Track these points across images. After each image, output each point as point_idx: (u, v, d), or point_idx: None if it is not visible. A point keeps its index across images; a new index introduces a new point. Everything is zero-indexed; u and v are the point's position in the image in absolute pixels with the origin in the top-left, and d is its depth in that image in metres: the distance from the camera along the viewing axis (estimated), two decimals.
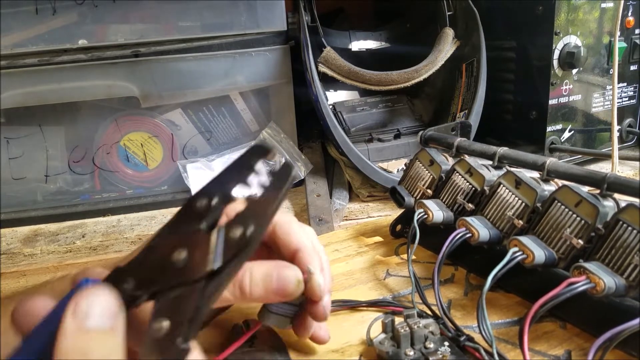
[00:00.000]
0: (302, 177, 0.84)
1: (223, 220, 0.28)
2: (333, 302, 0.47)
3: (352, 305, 0.48)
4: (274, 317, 0.38)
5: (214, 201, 0.28)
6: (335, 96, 1.01)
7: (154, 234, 0.28)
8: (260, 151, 0.29)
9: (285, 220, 0.38)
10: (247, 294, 0.34)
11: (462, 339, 0.39)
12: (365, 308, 0.48)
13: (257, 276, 0.34)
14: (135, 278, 0.26)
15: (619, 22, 0.77)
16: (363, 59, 1.02)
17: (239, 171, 0.29)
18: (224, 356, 0.38)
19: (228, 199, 0.28)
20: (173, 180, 0.86)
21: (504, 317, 0.45)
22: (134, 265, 0.27)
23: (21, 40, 0.76)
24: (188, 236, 0.27)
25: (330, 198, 0.79)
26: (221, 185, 0.28)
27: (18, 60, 0.75)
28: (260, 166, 0.29)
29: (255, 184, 0.28)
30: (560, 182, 0.47)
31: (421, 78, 0.81)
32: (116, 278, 0.26)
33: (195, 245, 0.26)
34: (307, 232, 0.39)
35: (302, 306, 0.38)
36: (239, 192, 0.28)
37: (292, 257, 0.37)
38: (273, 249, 0.39)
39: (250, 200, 0.28)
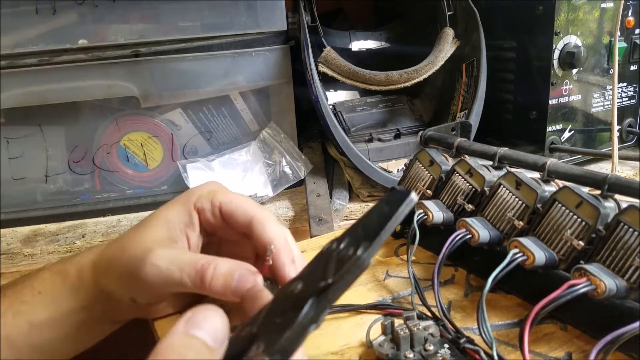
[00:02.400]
0: (302, 177, 0.84)
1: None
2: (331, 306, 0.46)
3: (350, 310, 0.47)
4: None
5: (342, 245, 0.28)
6: (335, 96, 1.01)
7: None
8: (400, 195, 0.28)
9: (262, 216, 0.39)
10: (207, 285, 0.34)
11: (462, 341, 0.39)
12: (364, 311, 0.47)
13: (220, 271, 0.35)
14: (252, 328, 0.27)
15: (619, 22, 0.77)
16: (363, 59, 1.01)
17: (368, 217, 0.30)
18: None
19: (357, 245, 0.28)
20: (173, 180, 0.86)
21: (504, 318, 0.45)
22: (250, 322, 0.28)
23: (21, 40, 0.76)
24: (306, 273, 0.29)
25: (330, 198, 0.78)
26: (312, 276, 0.28)
27: (18, 60, 0.75)
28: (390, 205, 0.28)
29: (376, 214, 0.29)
30: (561, 183, 0.47)
31: (421, 78, 0.81)
32: (237, 335, 0.27)
33: (310, 275, 0.28)
34: (282, 229, 0.40)
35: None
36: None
37: (264, 249, 0.38)
38: (249, 241, 0.40)
39: (364, 224, 0.29)
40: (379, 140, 0.86)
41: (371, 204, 0.77)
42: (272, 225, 0.39)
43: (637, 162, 0.85)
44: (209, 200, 0.39)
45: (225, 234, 0.41)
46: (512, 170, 0.50)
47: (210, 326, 0.25)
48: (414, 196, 0.27)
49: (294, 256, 0.39)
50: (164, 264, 0.35)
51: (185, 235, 0.39)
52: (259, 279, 0.35)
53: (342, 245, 0.28)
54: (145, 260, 0.35)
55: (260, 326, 0.26)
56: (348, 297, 0.50)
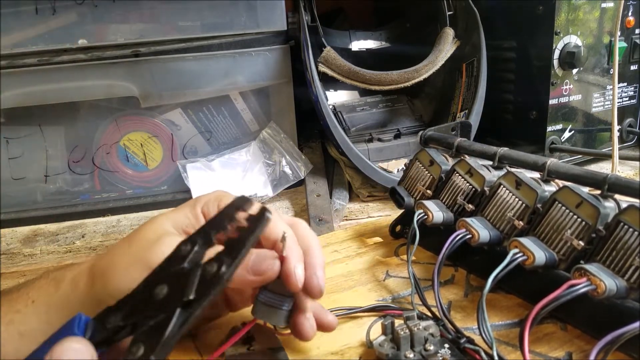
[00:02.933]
0: (302, 177, 0.84)
1: (203, 260, 0.31)
2: (331, 309, 0.46)
3: (349, 314, 0.47)
4: (264, 309, 0.38)
5: (197, 246, 0.32)
6: (335, 96, 1.01)
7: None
8: (241, 202, 0.34)
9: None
10: None
11: (462, 341, 0.39)
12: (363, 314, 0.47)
13: None
14: (122, 313, 0.30)
15: (619, 22, 0.77)
16: (363, 59, 1.01)
17: (220, 220, 0.33)
18: (218, 354, 0.38)
19: (209, 243, 0.32)
20: (173, 180, 0.86)
21: (504, 318, 0.45)
22: (122, 303, 0.31)
23: (21, 40, 0.76)
24: (171, 274, 0.31)
25: (330, 198, 0.78)
26: (204, 233, 0.33)
27: (18, 60, 0.75)
28: (239, 214, 0.33)
29: (233, 229, 0.32)
30: (561, 183, 0.47)
31: (421, 78, 0.81)
32: (105, 313, 0.30)
33: (176, 282, 0.30)
34: (295, 223, 0.41)
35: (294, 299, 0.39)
36: (219, 237, 0.32)
37: (272, 247, 0.38)
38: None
39: (227, 242, 0.32)
40: (379, 140, 0.86)
41: (371, 204, 0.77)
42: (279, 223, 0.39)
43: (637, 162, 0.85)
44: (215, 205, 0.39)
45: None
46: (512, 170, 0.50)
47: (71, 352, 0.27)
48: (269, 215, 0.32)
49: (309, 243, 0.39)
50: None
51: None
52: (274, 253, 0.37)
53: (196, 249, 0.32)
54: (162, 242, 0.35)
55: (135, 319, 0.29)
56: (348, 297, 0.50)
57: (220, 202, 0.39)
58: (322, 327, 0.40)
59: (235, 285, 0.38)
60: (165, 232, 0.37)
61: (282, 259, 0.37)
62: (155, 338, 0.28)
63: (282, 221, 0.40)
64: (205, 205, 0.39)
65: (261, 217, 0.32)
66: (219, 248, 0.32)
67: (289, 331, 0.40)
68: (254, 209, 0.33)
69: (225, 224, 0.33)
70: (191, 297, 0.29)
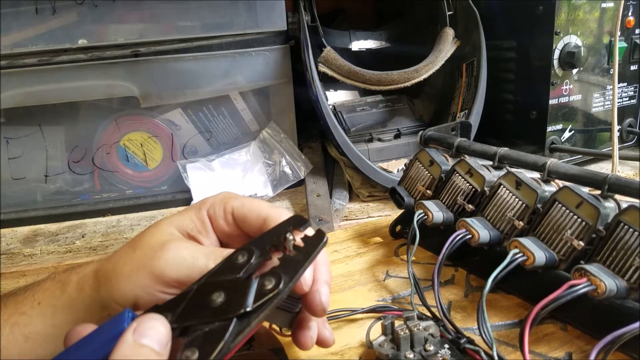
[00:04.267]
0: (302, 177, 0.84)
1: (259, 272, 0.32)
2: (331, 310, 0.46)
3: (349, 316, 0.47)
4: (273, 311, 0.37)
5: (254, 257, 0.32)
6: (335, 96, 1.01)
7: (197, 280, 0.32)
8: (297, 221, 0.34)
9: (276, 213, 0.38)
10: None
11: (462, 341, 0.39)
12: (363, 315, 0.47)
13: None
14: (172, 314, 0.30)
15: (619, 22, 0.77)
16: (363, 59, 1.01)
17: (277, 234, 0.33)
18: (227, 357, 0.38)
19: (265, 255, 0.32)
20: (173, 180, 0.86)
21: (504, 319, 0.45)
22: (172, 304, 0.31)
23: (21, 40, 0.76)
24: (227, 282, 0.31)
25: (330, 198, 0.78)
26: (261, 244, 0.33)
27: (18, 60, 0.75)
28: (295, 233, 0.33)
29: (290, 246, 0.33)
30: (561, 183, 0.47)
31: (421, 78, 0.81)
32: (155, 312, 0.30)
33: (232, 290, 0.30)
34: None
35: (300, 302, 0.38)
36: (275, 251, 0.33)
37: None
38: None
39: (284, 259, 0.32)
40: (379, 140, 0.86)
41: (371, 204, 0.77)
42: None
43: (637, 162, 0.85)
44: (221, 207, 0.39)
45: (242, 243, 0.41)
46: (512, 170, 0.50)
47: (155, 333, 0.28)
48: (326, 238, 0.33)
49: (316, 265, 0.37)
50: (189, 252, 0.35)
51: (198, 241, 0.38)
52: None
53: (252, 260, 0.32)
54: (167, 249, 0.35)
55: (189, 322, 0.29)
56: (348, 297, 0.50)
57: (226, 204, 0.38)
58: (319, 341, 0.39)
59: None
60: (169, 238, 0.36)
61: None
62: (211, 345, 0.28)
63: None
64: (212, 207, 0.39)
65: (320, 239, 0.33)
66: (274, 262, 0.32)
67: (290, 332, 0.40)
68: (310, 230, 0.34)
69: (281, 239, 0.33)
70: (249, 309, 0.29)
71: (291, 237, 0.33)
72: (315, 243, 0.32)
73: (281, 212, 0.38)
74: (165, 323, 0.29)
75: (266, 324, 0.40)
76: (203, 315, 0.29)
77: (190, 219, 0.38)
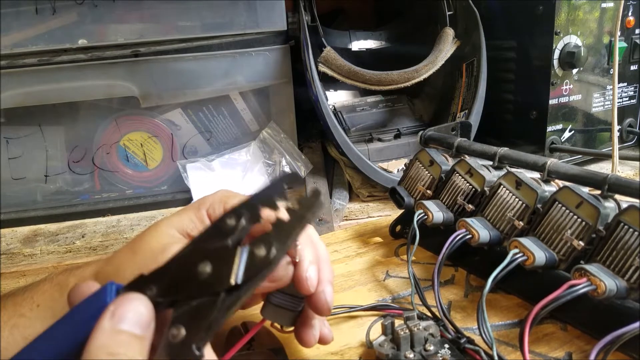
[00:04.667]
0: (302, 177, 0.84)
1: (249, 239, 0.29)
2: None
3: (349, 312, 0.47)
4: (275, 310, 0.38)
5: (242, 220, 0.29)
6: (335, 96, 1.01)
7: (182, 246, 0.29)
8: (291, 178, 0.31)
9: None
10: None
11: (462, 341, 0.39)
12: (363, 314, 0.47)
13: None
14: (159, 286, 0.28)
15: (619, 22, 0.77)
16: (363, 59, 1.01)
17: (268, 195, 0.30)
18: (227, 358, 0.38)
19: (256, 219, 0.30)
20: (173, 180, 0.86)
21: (504, 318, 0.45)
22: (158, 274, 0.28)
23: (21, 40, 0.76)
24: (214, 251, 0.28)
25: (330, 198, 0.78)
26: (251, 207, 0.30)
27: (18, 60, 0.75)
28: (288, 192, 0.30)
29: (282, 208, 0.30)
30: (561, 183, 0.47)
31: (421, 78, 0.81)
32: (139, 284, 0.28)
33: (220, 260, 0.28)
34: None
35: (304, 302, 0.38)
36: (267, 214, 0.30)
37: None
38: None
39: (276, 223, 0.29)
40: (379, 140, 0.86)
41: (371, 204, 0.77)
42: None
43: (637, 162, 0.85)
44: (221, 206, 0.38)
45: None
46: (512, 170, 0.50)
47: (134, 316, 0.26)
48: (322, 200, 0.29)
49: (319, 254, 0.38)
50: None
51: None
52: (289, 260, 0.35)
53: (242, 224, 0.29)
54: (168, 252, 0.34)
55: (175, 296, 0.27)
56: (348, 297, 0.50)
57: (226, 204, 0.38)
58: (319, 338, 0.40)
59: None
60: (170, 241, 0.36)
61: (295, 263, 0.36)
62: (198, 322, 0.26)
63: None
64: (211, 206, 0.38)
65: (315, 201, 0.30)
66: (266, 227, 0.29)
67: (292, 328, 0.40)
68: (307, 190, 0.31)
69: (274, 200, 0.30)
70: (238, 281, 0.27)
71: (283, 198, 0.30)
72: (309, 205, 0.30)
73: None
74: (146, 302, 0.27)
75: (267, 323, 0.40)
76: (190, 288, 0.27)
77: (190, 219, 0.38)
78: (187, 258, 0.29)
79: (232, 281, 0.27)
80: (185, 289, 0.27)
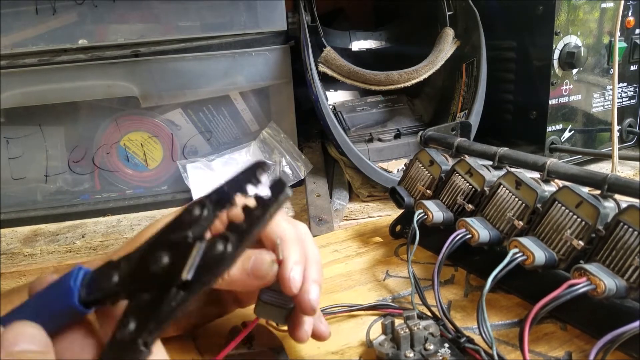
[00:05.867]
0: (302, 177, 0.84)
1: (209, 231, 0.28)
2: (331, 306, 0.47)
3: (349, 311, 0.47)
4: (267, 308, 0.38)
5: (205, 211, 0.28)
6: (335, 96, 1.01)
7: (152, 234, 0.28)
8: (257, 166, 0.29)
9: None
10: (226, 275, 0.33)
11: (462, 340, 0.39)
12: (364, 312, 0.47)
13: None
14: (120, 275, 0.27)
15: (619, 22, 0.77)
16: (363, 59, 1.01)
17: (237, 184, 0.28)
18: (221, 356, 0.38)
19: (218, 210, 0.28)
20: (173, 180, 0.86)
21: (504, 318, 0.45)
22: (122, 262, 0.28)
23: (21, 40, 0.76)
24: (175, 243, 0.27)
25: (330, 198, 0.78)
26: (216, 197, 0.28)
27: (18, 60, 0.75)
28: (255, 182, 0.28)
29: (248, 199, 0.28)
30: (561, 183, 0.47)
31: (421, 78, 0.81)
32: (105, 270, 0.27)
33: (177, 253, 0.27)
34: (296, 227, 0.39)
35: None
36: (230, 204, 0.28)
37: (273, 248, 0.37)
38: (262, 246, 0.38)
39: (242, 214, 0.28)
40: (379, 140, 0.86)
41: (371, 204, 0.77)
42: (282, 222, 0.38)
43: (637, 162, 0.85)
44: None
45: None
46: (512, 170, 0.50)
47: (25, 337, 0.25)
48: (289, 192, 0.28)
49: (308, 253, 0.38)
50: None
51: None
52: (272, 255, 0.35)
53: (205, 214, 0.28)
54: None
55: (131, 287, 0.27)
56: (348, 297, 0.50)
57: None
58: (314, 335, 0.39)
59: (237, 288, 0.38)
60: None
61: (279, 262, 0.36)
62: (148, 316, 0.25)
63: (285, 220, 0.39)
64: None
65: (280, 189, 0.27)
66: (233, 217, 0.28)
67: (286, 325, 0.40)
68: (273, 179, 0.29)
69: (242, 189, 0.28)
70: (189, 277, 0.26)
71: (251, 188, 0.28)
72: (273, 199, 0.28)
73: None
74: (35, 326, 0.25)
75: (263, 321, 0.40)
76: (144, 280, 0.27)
77: None
78: (150, 247, 0.28)
79: (183, 277, 0.26)
80: (141, 280, 0.27)
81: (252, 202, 0.28)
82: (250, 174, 0.28)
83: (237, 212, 0.28)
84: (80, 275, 0.27)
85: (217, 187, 0.29)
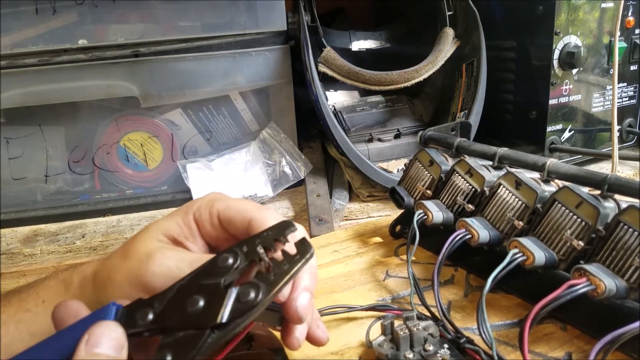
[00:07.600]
0: (302, 177, 0.84)
1: (240, 280, 0.31)
2: (331, 306, 0.47)
3: (348, 312, 0.47)
4: (262, 311, 0.37)
5: (238, 262, 0.32)
6: (335, 96, 1.01)
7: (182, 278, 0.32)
8: (286, 226, 0.33)
9: (261, 215, 0.37)
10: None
11: (461, 341, 0.39)
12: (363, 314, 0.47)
13: None
14: (154, 311, 0.30)
15: (619, 22, 0.77)
16: (363, 59, 1.01)
17: (267, 239, 0.32)
18: (220, 357, 0.38)
19: (251, 261, 0.32)
20: (173, 180, 0.86)
21: (504, 318, 0.45)
22: (155, 300, 0.31)
23: (21, 40, 0.76)
24: (208, 287, 0.31)
25: (330, 198, 0.78)
26: (247, 248, 0.32)
27: (18, 60, 0.75)
28: (283, 239, 0.32)
29: (275, 255, 0.32)
30: (561, 183, 0.47)
31: (421, 78, 0.81)
32: (136, 307, 0.31)
33: (211, 297, 0.30)
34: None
35: None
36: (260, 258, 0.32)
37: None
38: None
39: (267, 268, 0.31)
40: (379, 140, 0.86)
41: (371, 204, 0.77)
42: (273, 221, 0.37)
43: (637, 162, 0.85)
44: (207, 211, 0.38)
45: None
46: (512, 170, 0.50)
47: (107, 341, 0.28)
48: (313, 251, 0.32)
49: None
50: (173, 262, 0.34)
51: (185, 247, 0.38)
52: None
53: (238, 264, 0.31)
54: (153, 260, 0.34)
55: (166, 324, 0.30)
56: (348, 297, 0.50)
57: (212, 207, 0.38)
58: (311, 340, 0.38)
59: None
60: (156, 246, 0.36)
61: (268, 267, 0.35)
62: (184, 351, 0.28)
63: (277, 220, 0.39)
64: (198, 210, 0.38)
65: (305, 252, 0.32)
66: (261, 268, 0.31)
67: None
68: (300, 233, 0.33)
69: (271, 244, 0.32)
70: (224, 320, 0.29)
71: (279, 244, 0.32)
72: (300, 256, 0.32)
73: (266, 214, 0.37)
74: (115, 325, 0.29)
75: (260, 323, 0.40)
76: (180, 319, 0.30)
77: (177, 224, 0.38)
78: (184, 289, 0.31)
79: (218, 320, 0.29)
80: (176, 319, 0.30)
81: (279, 256, 0.32)
82: (279, 232, 0.33)
83: (265, 264, 0.31)
84: (114, 310, 0.30)
85: (248, 239, 0.33)
